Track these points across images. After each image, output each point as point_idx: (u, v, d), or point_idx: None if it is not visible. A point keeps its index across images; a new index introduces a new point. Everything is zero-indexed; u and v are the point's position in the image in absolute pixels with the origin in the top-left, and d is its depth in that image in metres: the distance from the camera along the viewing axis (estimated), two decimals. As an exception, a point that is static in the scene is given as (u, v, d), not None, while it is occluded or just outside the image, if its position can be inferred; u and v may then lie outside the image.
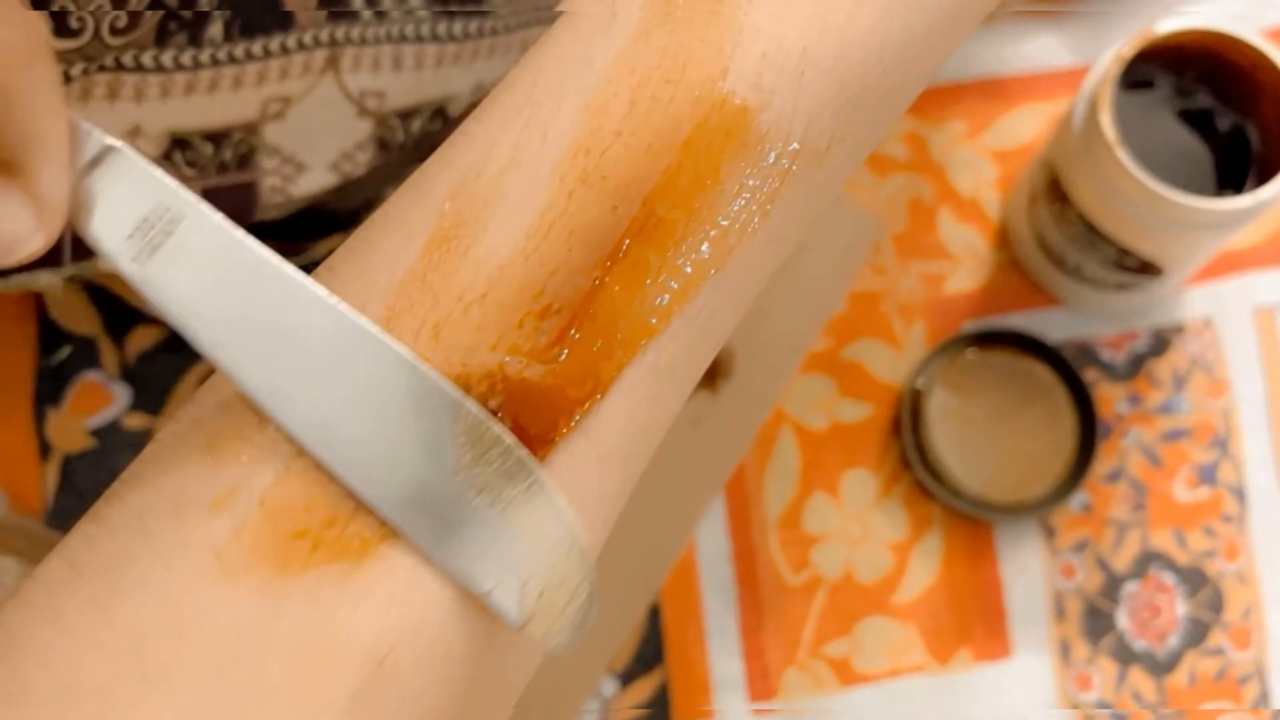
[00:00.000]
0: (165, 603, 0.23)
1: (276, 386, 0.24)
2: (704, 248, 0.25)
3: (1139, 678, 0.52)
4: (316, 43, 0.41)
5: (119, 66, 0.38)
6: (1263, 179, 0.47)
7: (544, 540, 0.24)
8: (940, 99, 0.58)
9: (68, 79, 0.37)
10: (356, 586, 0.23)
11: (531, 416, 0.25)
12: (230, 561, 0.23)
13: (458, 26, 0.45)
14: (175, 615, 0.23)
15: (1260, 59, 0.47)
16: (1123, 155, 0.46)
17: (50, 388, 0.52)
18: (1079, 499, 0.54)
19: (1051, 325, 0.55)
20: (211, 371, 0.25)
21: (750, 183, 0.26)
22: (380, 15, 0.43)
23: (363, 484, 0.24)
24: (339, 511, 0.24)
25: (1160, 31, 0.47)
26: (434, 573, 0.24)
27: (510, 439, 0.24)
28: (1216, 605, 0.53)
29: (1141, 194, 0.46)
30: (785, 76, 0.25)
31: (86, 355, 0.52)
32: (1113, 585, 0.53)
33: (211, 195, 0.43)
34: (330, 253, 0.27)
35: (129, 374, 0.52)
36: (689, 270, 0.25)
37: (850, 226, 0.56)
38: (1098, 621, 0.53)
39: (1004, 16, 0.58)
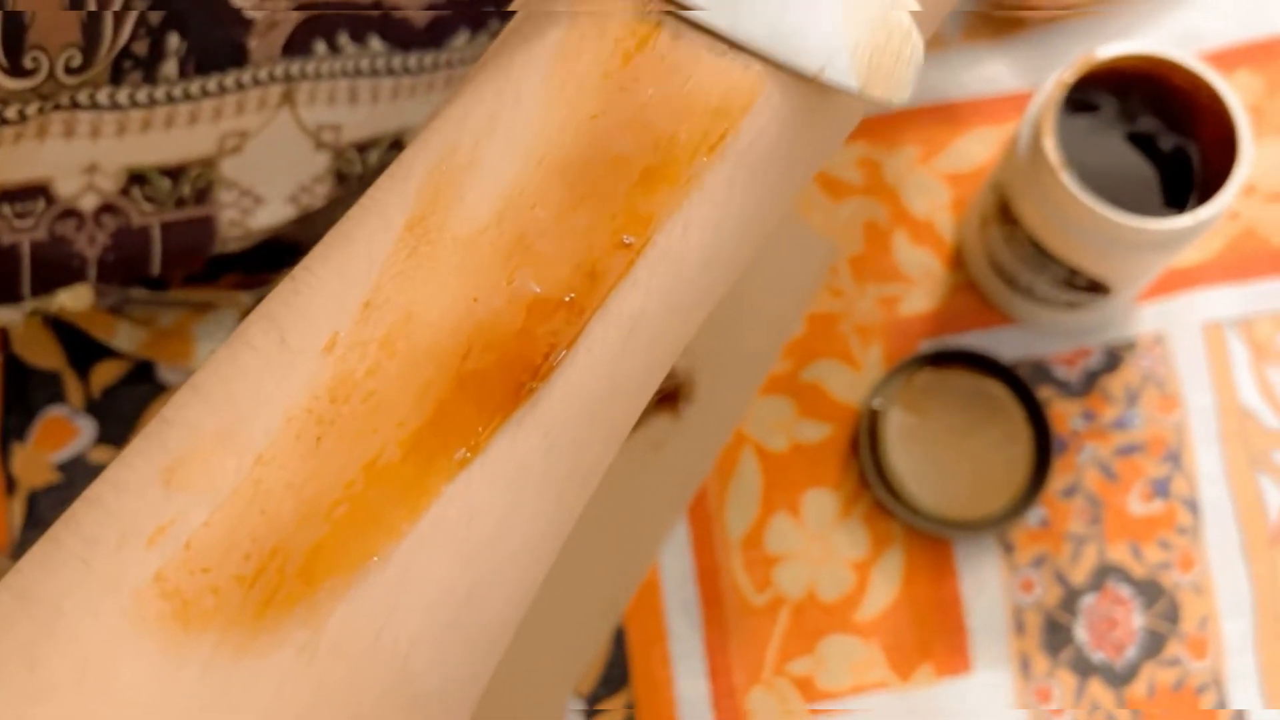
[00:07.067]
0: (83, 651, 0.22)
1: None
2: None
3: (1098, 689, 0.53)
4: (272, 78, 0.42)
5: (74, 105, 0.38)
6: (1204, 198, 0.48)
7: (860, 6, 0.24)
8: (893, 124, 0.59)
9: (23, 118, 0.37)
10: (249, 663, 0.22)
11: None
12: (145, 608, 0.22)
13: (413, 60, 0.46)
14: (83, 666, 0.22)
15: (1199, 82, 0.48)
16: (1066, 178, 0.47)
17: (15, 423, 0.52)
18: (1036, 514, 0.54)
19: (1006, 344, 0.56)
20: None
21: None
22: (335, 50, 0.43)
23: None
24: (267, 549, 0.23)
25: (1102, 56, 0.48)
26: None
27: None
28: (1173, 616, 0.54)
29: (1086, 215, 0.47)
30: None
31: (51, 390, 0.52)
32: (1071, 599, 0.54)
33: (170, 229, 0.43)
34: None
35: (94, 408, 0.52)
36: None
37: (807, 250, 0.57)
38: (1057, 635, 0.53)
39: (954, 41, 0.59)
